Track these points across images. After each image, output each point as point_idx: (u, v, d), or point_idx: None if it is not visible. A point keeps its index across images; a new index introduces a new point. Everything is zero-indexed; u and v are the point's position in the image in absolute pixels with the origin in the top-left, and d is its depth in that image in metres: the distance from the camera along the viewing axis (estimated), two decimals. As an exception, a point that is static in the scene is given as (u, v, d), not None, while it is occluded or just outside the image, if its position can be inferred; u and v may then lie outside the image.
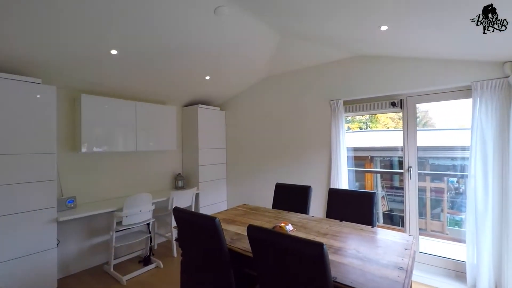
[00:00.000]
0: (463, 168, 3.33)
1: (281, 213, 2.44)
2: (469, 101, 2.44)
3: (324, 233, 1.88)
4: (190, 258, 1.85)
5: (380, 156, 4.63)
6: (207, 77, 3.38)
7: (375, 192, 2.21)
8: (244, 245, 1.66)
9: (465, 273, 2.43)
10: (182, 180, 3.94)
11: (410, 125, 2.84)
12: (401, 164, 3.01)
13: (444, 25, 1.90)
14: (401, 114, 2.93)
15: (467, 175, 2.48)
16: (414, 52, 2.54)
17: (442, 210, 3.89)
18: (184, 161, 4.11)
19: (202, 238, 1.66)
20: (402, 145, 2.92)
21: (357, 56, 3.01)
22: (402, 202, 3.11)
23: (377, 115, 4.49)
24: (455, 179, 3.83)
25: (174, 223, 2.33)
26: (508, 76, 2.19)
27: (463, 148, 2.91)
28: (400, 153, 3.06)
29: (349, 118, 3.94)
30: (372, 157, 4.63)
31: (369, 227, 2.01)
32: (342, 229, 1.97)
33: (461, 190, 3.79)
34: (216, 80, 3.53)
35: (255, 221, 2.19)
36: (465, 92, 2.51)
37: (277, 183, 2.83)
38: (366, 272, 1.30)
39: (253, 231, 1.34)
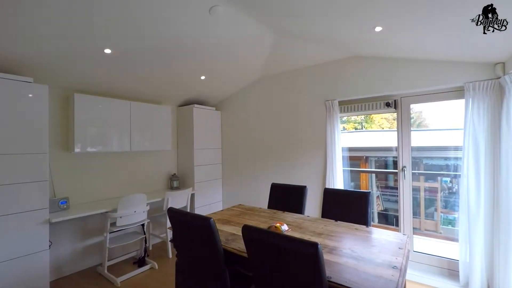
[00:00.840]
0: (456, 168, 3.38)
1: (276, 213, 2.43)
2: (461, 102, 2.48)
3: (319, 233, 1.89)
4: (185, 259, 1.83)
5: (375, 156, 4.67)
6: (203, 77, 3.37)
7: (370, 192, 2.22)
8: (239, 246, 1.65)
9: (458, 271, 2.46)
10: (177, 180, 3.91)
11: (404, 125, 2.87)
12: (395, 164, 3.03)
13: (437, 26, 1.92)
14: (395, 114, 2.96)
15: (460, 175, 2.51)
16: (408, 53, 2.56)
17: (435, 210, 3.94)
18: (179, 161, 4.08)
19: (197, 239, 1.65)
20: (396, 145, 2.94)
21: (352, 56, 3.03)
22: (396, 201, 3.13)
23: (372, 115, 4.53)
24: (448, 179, 3.88)
25: (169, 224, 2.32)
26: (499, 77, 2.22)
27: (456, 148, 2.95)
28: (394, 153, 3.09)
29: (345, 118, 3.97)
30: (367, 157, 4.67)
31: (364, 226, 2.02)
32: (337, 228, 1.97)
33: (454, 189, 3.85)
34: (211, 80, 3.52)
35: (251, 221, 2.18)
36: (458, 93, 2.54)
37: (272, 183, 2.83)
38: (360, 271, 1.31)
39: (247, 231, 1.34)
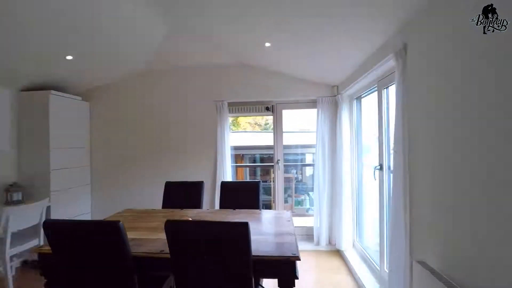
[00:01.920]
0: (303, 160, 4.51)
1: (174, 212, 2.36)
2: (314, 111, 3.40)
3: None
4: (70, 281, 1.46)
5: (250, 154, 5.45)
6: (69, 57, 2.68)
7: (259, 181, 2.62)
8: (146, 249, 1.52)
9: (313, 235, 3.34)
10: (19, 191, 2.87)
11: (278, 127, 3.55)
12: (269, 159, 3.68)
13: (301, 53, 2.57)
14: (260, 119, 3.61)
15: (313, 165, 3.42)
16: (285, 69, 3.21)
17: (289, 195, 5.11)
18: (23, 165, 3.00)
19: (95, 250, 1.37)
20: (272, 143, 3.57)
21: (241, 64, 3.36)
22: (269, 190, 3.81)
23: (238, 119, 5.25)
24: (295, 170, 5.16)
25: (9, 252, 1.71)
26: (335, 95, 3.25)
27: (306, 146, 3.97)
28: (264, 151, 3.76)
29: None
30: (243, 155, 5.35)
31: (258, 210, 2.37)
32: (238, 215, 2.21)
33: (300, 178, 5.20)
34: (81, 63, 2.85)
35: (150, 224, 2.02)
36: (313, 103, 3.43)
37: (167, 181, 2.69)
38: (270, 242, 1.59)
39: (173, 225, 1.29)
